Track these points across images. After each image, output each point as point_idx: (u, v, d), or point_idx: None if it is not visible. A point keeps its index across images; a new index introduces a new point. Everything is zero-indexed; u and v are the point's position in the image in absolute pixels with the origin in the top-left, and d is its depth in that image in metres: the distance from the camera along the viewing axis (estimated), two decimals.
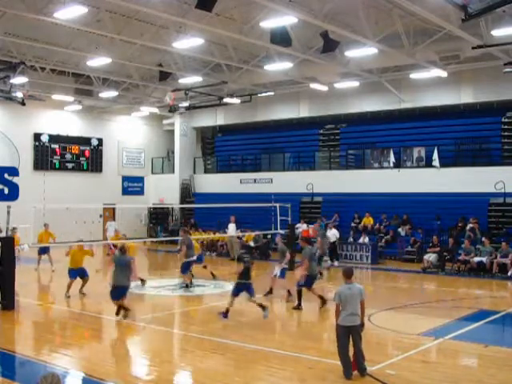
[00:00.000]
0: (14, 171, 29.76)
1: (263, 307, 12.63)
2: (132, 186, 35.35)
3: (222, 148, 34.78)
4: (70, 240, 20.79)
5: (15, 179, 29.64)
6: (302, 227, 25.10)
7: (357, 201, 26.36)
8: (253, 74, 25.26)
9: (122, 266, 12.41)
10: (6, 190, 29.65)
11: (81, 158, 32.70)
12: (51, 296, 16.70)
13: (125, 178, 35.02)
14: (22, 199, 27.54)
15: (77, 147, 32.42)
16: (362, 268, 21.96)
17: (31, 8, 16.61)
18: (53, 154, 31.44)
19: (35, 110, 29.59)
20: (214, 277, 17.91)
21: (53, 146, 31.42)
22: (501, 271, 19.20)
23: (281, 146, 31.38)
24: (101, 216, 29.06)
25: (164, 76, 24.88)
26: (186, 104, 27.00)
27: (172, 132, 35.44)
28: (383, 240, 24.06)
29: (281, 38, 18.41)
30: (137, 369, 9.49)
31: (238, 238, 24.98)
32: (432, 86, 25.28)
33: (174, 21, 18.04)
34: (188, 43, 19.37)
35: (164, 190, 34.41)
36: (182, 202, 33.58)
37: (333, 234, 23.19)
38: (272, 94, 27.41)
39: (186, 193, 34.25)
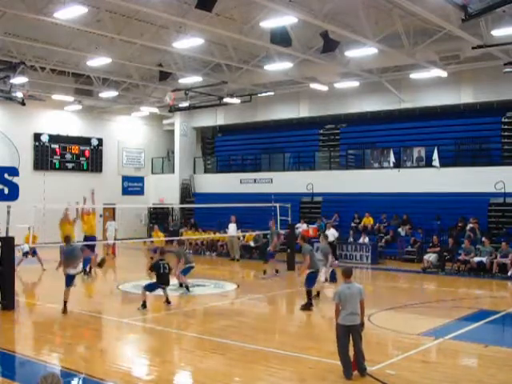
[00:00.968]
0: (14, 171, 30.00)
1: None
2: (132, 185, 35.35)
3: (222, 148, 34.78)
4: None
5: (15, 179, 29.93)
6: (301, 227, 25.13)
7: (357, 201, 26.36)
8: (253, 74, 25.26)
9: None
10: (6, 190, 29.84)
11: (81, 158, 32.70)
12: (51, 296, 16.67)
13: (125, 178, 35.02)
14: (22, 199, 27.81)
15: (77, 147, 32.42)
16: (362, 268, 21.96)
17: (31, 8, 16.61)
18: (53, 154, 31.44)
19: (35, 110, 29.59)
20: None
21: (53, 146, 31.42)
22: (501, 271, 19.19)
23: (281, 145, 31.38)
24: (101, 216, 28.97)
25: (164, 76, 24.87)
26: (186, 104, 27.00)
27: (172, 132, 35.44)
28: (383, 240, 24.06)
29: (281, 38, 18.41)
30: (137, 369, 9.48)
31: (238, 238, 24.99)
32: (432, 86, 25.29)
33: (174, 21, 18.03)
34: (188, 43, 19.36)
35: (164, 190, 34.41)
36: (182, 202, 33.58)
37: (331, 233, 23.21)
38: (272, 94, 27.41)
39: (186, 193, 34.25)
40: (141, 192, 35.68)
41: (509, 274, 18.89)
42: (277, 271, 19.71)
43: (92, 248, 17.15)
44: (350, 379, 8.45)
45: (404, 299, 15.50)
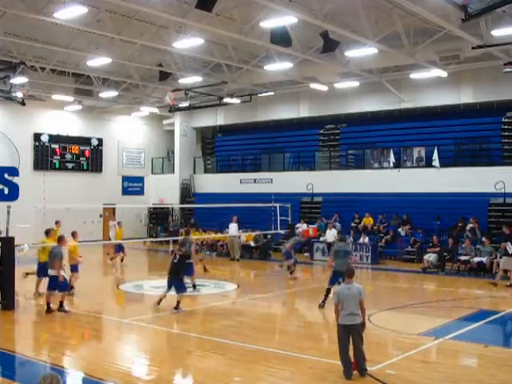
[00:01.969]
0: (13, 171, 29.85)
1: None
2: (132, 186, 35.35)
3: (222, 148, 34.77)
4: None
5: (15, 179, 29.72)
6: (301, 227, 25.13)
7: (357, 201, 26.36)
8: (253, 74, 25.26)
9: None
10: (6, 190, 29.74)
11: (81, 158, 32.70)
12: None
13: (125, 178, 35.02)
14: (22, 199, 27.60)
15: (77, 147, 32.42)
16: (362, 268, 21.95)
17: (31, 8, 16.61)
18: (53, 154, 31.43)
19: (35, 110, 29.58)
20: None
21: (53, 146, 31.41)
22: None
23: (281, 146, 31.38)
24: (101, 216, 29.05)
25: (164, 76, 24.88)
26: (186, 104, 27.00)
27: (172, 132, 35.44)
28: (383, 240, 24.06)
29: (281, 38, 18.41)
30: (137, 369, 9.48)
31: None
32: (432, 86, 25.28)
33: (174, 21, 18.03)
34: (188, 43, 19.37)
35: (164, 190, 34.40)
36: (182, 202, 33.58)
37: (332, 234, 23.23)
38: (272, 94, 27.41)
39: (186, 193, 34.25)
40: (141, 192, 35.68)
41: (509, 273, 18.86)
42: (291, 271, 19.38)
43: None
44: (349, 379, 8.45)
45: (404, 299, 15.49)
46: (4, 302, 13.43)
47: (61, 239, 13.74)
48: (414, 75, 23.59)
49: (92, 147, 33.17)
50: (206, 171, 34.76)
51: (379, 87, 26.03)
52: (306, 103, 30.28)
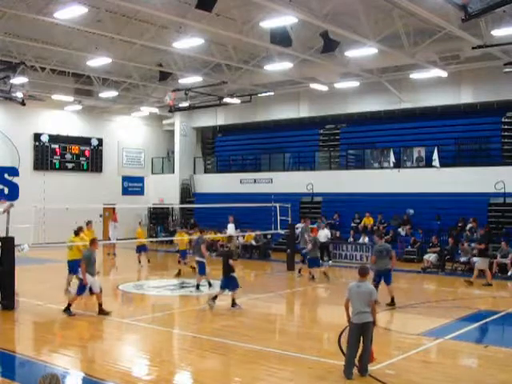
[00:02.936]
0: (13, 171, 29.99)
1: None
2: (132, 186, 35.35)
3: (222, 148, 34.79)
4: None
5: (15, 179, 29.91)
6: (301, 227, 25.04)
7: (357, 201, 26.37)
8: (253, 74, 25.26)
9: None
10: (6, 190, 29.83)
11: (81, 158, 32.70)
12: (52, 296, 16.68)
13: (125, 178, 35.02)
14: (22, 199, 27.81)
15: (77, 147, 32.42)
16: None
17: (31, 8, 16.62)
18: (53, 154, 31.43)
19: (35, 110, 29.59)
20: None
21: (53, 146, 31.41)
22: (501, 271, 19.20)
23: (281, 146, 31.39)
24: (101, 216, 29.04)
25: (164, 76, 24.88)
26: (186, 104, 27.00)
27: (172, 132, 35.45)
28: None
29: (281, 38, 18.42)
30: (137, 369, 9.48)
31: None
32: (432, 86, 25.30)
33: (174, 21, 18.03)
34: (188, 43, 19.38)
35: (164, 190, 34.41)
36: (182, 202, 33.58)
37: (324, 234, 23.18)
38: (272, 94, 27.40)
39: (186, 193, 34.26)
40: (141, 192, 35.69)
41: (509, 274, 18.90)
42: (312, 277, 18.61)
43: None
44: (349, 379, 8.46)
45: (404, 299, 15.47)
46: (4, 301, 13.43)
47: (92, 242, 13.41)
48: (414, 75, 23.60)
49: (92, 147, 33.17)
50: (206, 171, 34.78)
51: (379, 87, 26.04)
52: (306, 103, 30.28)
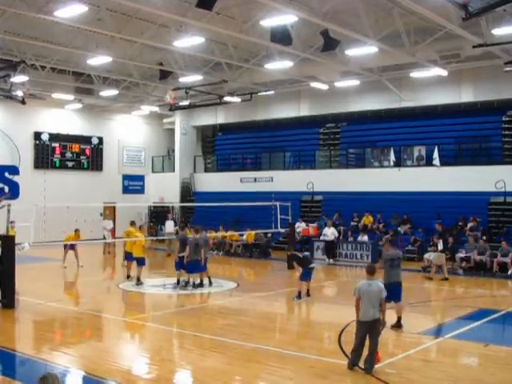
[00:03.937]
0: (14, 170, 29.99)
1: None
2: (132, 184, 35.35)
3: (223, 147, 34.77)
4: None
5: (15, 178, 29.90)
6: (301, 226, 25.08)
7: (357, 200, 26.34)
8: (253, 73, 25.23)
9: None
10: (7, 189, 29.83)
11: (81, 157, 32.69)
12: (52, 295, 16.72)
13: (125, 177, 35.02)
14: (23, 198, 27.79)
15: (77, 146, 32.41)
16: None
17: (32, 6, 16.60)
18: (53, 153, 31.43)
19: (35, 108, 29.57)
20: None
21: (53, 144, 31.39)
22: (501, 270, 19.21)
23: (281, 144, 31.37)
24: (101, 214, 29.02)
25: (164, 75, 24.86)
26: (186, 103, 26.99)
27: (172, 131, 35.45)
28: (383, 239, 24.02)
29: (281, 37, 18.39)
30: (137, 367, 9.49)
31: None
32: (432, 85, 25.26)
33: (174, 19, 18.01)
34: (188, 42, 19.36)
35: (164, 189, 34.39)
36: (182, 201, 33.57)
37: (331, 232, 23.26)
38: (272, 92, 27.38)
39: (187, 191, 34.26)
40: (141, 191, 35.68)
41: (509, 272, 18.91)
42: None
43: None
44: (350, 369, 8.66)
45: (404, 298, 15.46)
46: (4, 300, 13.43)
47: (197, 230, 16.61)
48: (415, 74, 23.58)
49: (92, 146, 33.16)
50: (207, 170, 34.77)
51: (379, 86, 26.01)
52: (307, 102, 30.26)
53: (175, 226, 25.25)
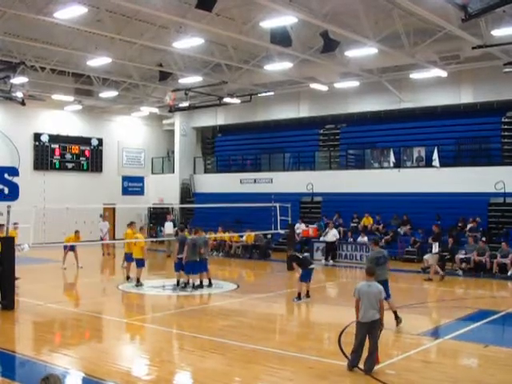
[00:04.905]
0: (14, 171, 29.98)
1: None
2: (132, 185, 35.35)
3: (222, 148, 34.78)
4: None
5: (15, 179, 29.90)
6: (300, 227, 25.07)
7: (357, 201, 26.34)
8: (253, 74, 25.25)
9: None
10: (6, 190, 29.82)
11: (81, 158, 32.70)
12: (52, 296, 16.71)
13: (125, 178, 35.02)
14: (22, 199, 27.79)
15: (77, 147, 32.42)
16: (362, 268, 21.92)
17: (31, 8, 16.61)
18: (53, 154, 31.44)
19: (35, 109, 29.59)
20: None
21: (53, 145, 31.41)
22: (501, 271, 19.20)
23: (281, 145, 31.39)
24: (101, 216, 29.01)
25: (164, 76, 24.88)
26: (186, 104, 26.99)
27: (172, 132, 35.46)
28: (383, 240, 24.02)
29: (281, 38, 18.42)
30: (137, 369, 9.48)
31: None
32: (432, 86, 25.29)
33: (174, 21, 18.03)
34: (188, 43, 19.38)
35: (164, 190, 34.40)
36: (182, 202, 33.58)
37: (333, 234, 23.27)
38: (272, 93, 27.40)
39: (186, 193, 34.26)
40: (141, 192, 35.69)
41: (509, 273, 18.90)
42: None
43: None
44: (350, 370, 8.64)
45: (404, 299, 15.47)
46: (4, 301, 13.42)
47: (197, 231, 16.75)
48: (414, 75, 23.60)
49: (92, 147, 33.17)
50: (206, 171, 34.78)
51: (379, 87, 26.03)
52: (306, 103, 30.29)
53: (175, 227, 25.23)
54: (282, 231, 22.25)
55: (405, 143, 26.79)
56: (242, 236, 25.27)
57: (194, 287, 16.35)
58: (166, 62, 24.28)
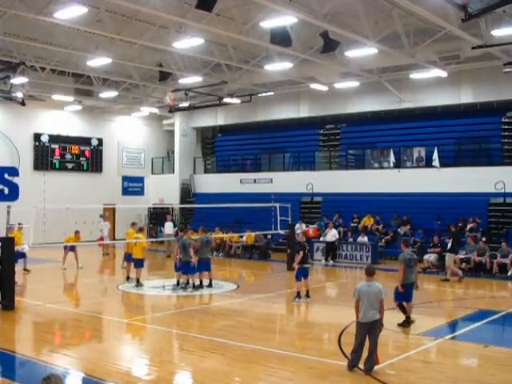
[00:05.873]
0: (14, 171, 29.98)
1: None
2: (132, 186, 35.35)
3: (222, 148, 34.79)
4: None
5: (15, 179, 29.90)
6: (300, 228, 25.01)
7: (357, 201, 26.35)
8: (253, 74, 25.26)
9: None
10: (6, 190, 29.83)
11: (81, 158, 32.70)
12: (52, 296, 16.71)
13: (125, 178, 35.02)
14: (22, 199, 27.80)
15: (77, 147, 32.42)
16: (363, 268, 21.93)
17: (31, 8, 16.62)
18: (53, 154, 31.43)
19: (35, 110, 29.59)
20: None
21: (53, 146, 31.41)
22: (501, 271, 19.20)
23: (281, 146, 31.39)
24: (101, 216, 29.02)
25: (164, 76, 24.88)
26: (186, 104, 27.00)
27: (172, 132, 35.46)
28: (383, 240, 24.04)
29: (281, 38, 18.42)
30: (137, 369, 9.48)
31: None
32: (432, 86, 25.29)
33: (174, 21, 18.04)
34: (188, 43, 19.38)
35: (164, 190, 34.40)
36: (182, 202, 33.58)
37: (332, 234, 23.27)
38: (272, 94, 27.40)
39: (186, 193, 34.26)
40: (141, 192, 35.68)
41: (509, 274, 18.90)
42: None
43: None
44: (350, 370, 8.65)
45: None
46: (4, 302, 13.42)
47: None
48: (414, 75, 23.60)
49: (92, 147, 33.17)
50: (206, 171, 34.78)
51: (379, 87, 26.04)
52: (306, 103, 30.29)
53: (175, 227, 25.24)
54: (282, 231, 22.25)
55: (405, 143, 26.79)
56: (242, 236, 25.26)
57: (194, 287, 16.35)
58: (166, 62, 24.28)
